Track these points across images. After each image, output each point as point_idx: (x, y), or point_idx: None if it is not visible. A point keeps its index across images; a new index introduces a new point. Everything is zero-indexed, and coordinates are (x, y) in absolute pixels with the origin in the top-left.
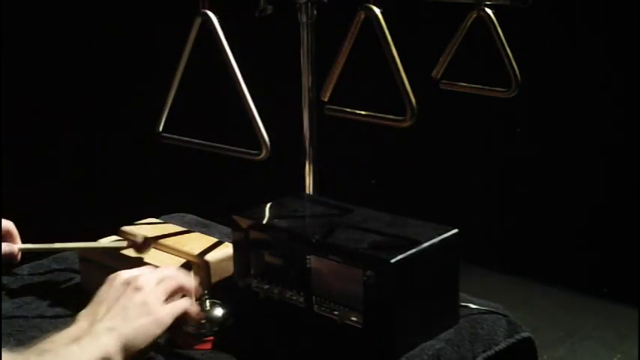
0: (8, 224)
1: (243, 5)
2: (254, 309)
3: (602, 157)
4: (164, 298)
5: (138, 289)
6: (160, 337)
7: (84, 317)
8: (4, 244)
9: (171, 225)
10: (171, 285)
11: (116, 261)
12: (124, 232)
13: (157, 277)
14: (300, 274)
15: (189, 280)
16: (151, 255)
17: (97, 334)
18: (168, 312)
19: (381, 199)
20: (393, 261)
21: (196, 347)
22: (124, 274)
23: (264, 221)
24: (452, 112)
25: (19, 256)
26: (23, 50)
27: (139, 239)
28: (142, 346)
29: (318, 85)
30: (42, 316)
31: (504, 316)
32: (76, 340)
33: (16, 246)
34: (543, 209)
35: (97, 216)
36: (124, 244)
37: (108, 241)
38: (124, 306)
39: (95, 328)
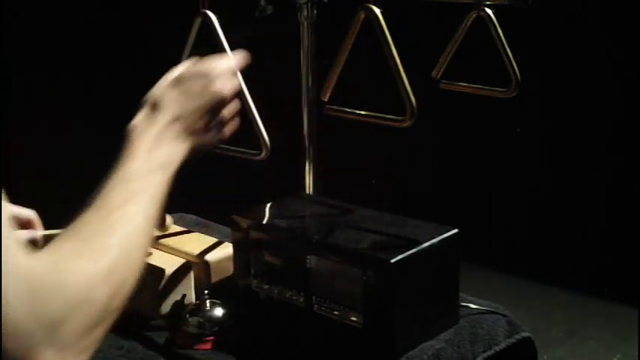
0: (30, 213)
1: (243, 5)
2: (254, 309)
3: (602, 157)
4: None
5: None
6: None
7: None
8: (26, 231)
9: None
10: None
11: None
12: None
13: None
14: (300, 274)
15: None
16: (151, 255)
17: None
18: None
19: (381, 199)
20: (393, 261)
21: (196, 347)
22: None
23: (264, 221)
24: (452, 112)
25: (42, 243)
26: (25, 50)
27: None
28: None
29: (318, 85)
30: None
31: (504, 316)
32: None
33: (38, 232)
34: (543, 209)
35: None
36: None
37: None
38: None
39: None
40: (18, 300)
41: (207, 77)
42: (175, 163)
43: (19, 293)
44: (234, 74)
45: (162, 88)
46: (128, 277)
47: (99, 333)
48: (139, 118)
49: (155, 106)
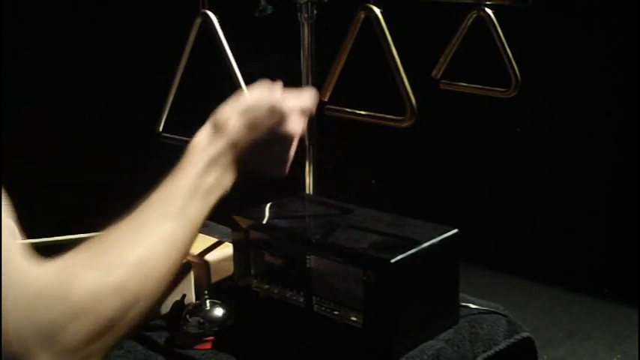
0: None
1: (243, 5)
2: (254, 309)
3: (602, 157)
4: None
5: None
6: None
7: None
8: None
9: None
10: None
11: None
12: None
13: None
14: (300, 274)
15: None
16: None
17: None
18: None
19: (381, 199)
20: (393, 261)
21: (196, 347)
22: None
23: (264, 221)
24: (452, 112)
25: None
26: (25, 51)
27: None
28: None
29: (318, 85)
30: None
31: (504, 316)
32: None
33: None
34: (543, 209)
35: (96, 216)
36: None
37: None
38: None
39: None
40: (16, 308)
41: (280, 116)
42: (221, 191)
43: (18, 302)
44: (304, 114)
45: (231, 111)
46: (141, 295)
47: (104, 343)
48: (202, 136)
49: (219, 128)
